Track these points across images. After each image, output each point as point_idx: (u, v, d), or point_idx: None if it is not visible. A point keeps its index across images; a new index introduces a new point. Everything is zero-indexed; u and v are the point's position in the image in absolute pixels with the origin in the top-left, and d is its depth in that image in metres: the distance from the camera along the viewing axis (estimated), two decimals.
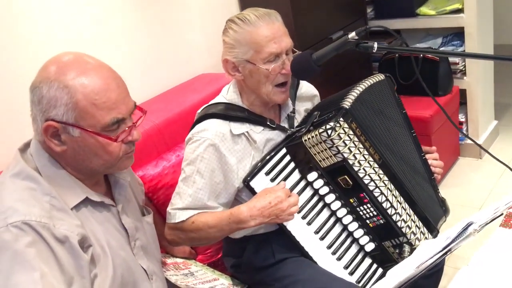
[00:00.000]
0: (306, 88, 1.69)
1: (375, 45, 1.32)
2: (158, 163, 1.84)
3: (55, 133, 1.08)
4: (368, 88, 1.52)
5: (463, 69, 2.91)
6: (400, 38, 1.39)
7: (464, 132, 3.02)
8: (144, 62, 2.18)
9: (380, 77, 1.58)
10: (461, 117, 2.99)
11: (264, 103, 1.51)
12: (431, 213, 1.53)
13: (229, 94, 1.54)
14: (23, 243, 0.98)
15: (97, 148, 1.11)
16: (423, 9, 2.92)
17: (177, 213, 1.44)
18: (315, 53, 1.39)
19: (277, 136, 1.52)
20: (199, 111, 1.56)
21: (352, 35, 1.34)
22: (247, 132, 1.48)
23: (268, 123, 1.50)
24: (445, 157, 2.90)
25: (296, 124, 1.57)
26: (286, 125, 1.55)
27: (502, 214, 1.17)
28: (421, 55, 2.80)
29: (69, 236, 1.04)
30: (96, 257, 1.11)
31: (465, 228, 0.95)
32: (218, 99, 1.56)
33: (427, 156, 1.62)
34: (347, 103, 1.44)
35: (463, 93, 2.94)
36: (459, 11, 2.80)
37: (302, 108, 1.64)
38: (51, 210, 1.05)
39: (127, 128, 1.14)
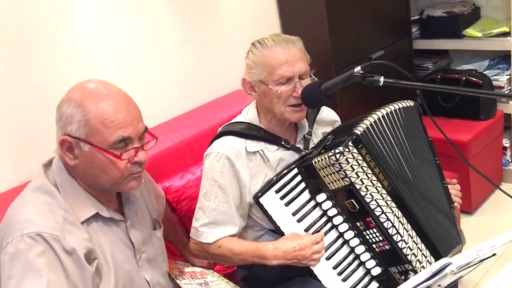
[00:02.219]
0: (327, 113, 1.73)
1: (381, 79, 1.35)
2: (184, 175, 1.94)
3: (70, 148, 1.20)
4: (389, 114, 1.54)
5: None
6: (411, 77, 1.40)
7: (508, 158, 2.92)
8: (183, 77, 2.30)
9: (407, 103, 1.59)
10: (505, 142, 2.90)
11: (280, 123, 1.57)
12: (441, 243, 1.51)
13: (248, 114, 1.62)
14: (34, 253, 1.09)
15: (104, 164, 1.20)
16: (470, 31, 2.86)
17: (204, 232, 1.53)
18: (323, 84, 1.44)
19: (291, 156, 1.58)
20: (220, 128, 1.64)
21: (357, 69, 1.39)
22: (261, 150, 1.55)
23: (282, 143, 1.56)
24: (485, 183, 2.81)
25: (311, 146, 1.62)
26: (301, 146, 1.60)
27: (494, 254, 1.16)
28: (464, 78, 2.75)
29: (76, 248, 1.14)
30: (101, 268, 1.20)
31: (443, 268, 0.97)
32: (238, 118, 1.64)
33: (450, 187, 1.61)
34: (360, 128, 1.47)
35: (507, 117, 2.84)
36: (506, 34, 2.72)
37: (320, 132, 1.68)
38: (63, 224, 1.16)
39: (133, 148, 1.21)
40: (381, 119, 1.52)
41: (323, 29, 2.49)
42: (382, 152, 1.49)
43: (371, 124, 1.49)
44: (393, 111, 1.55)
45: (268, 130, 1.57)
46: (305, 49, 1.54)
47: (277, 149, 1.56)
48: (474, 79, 2.73)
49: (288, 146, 1.57)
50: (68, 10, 1.89)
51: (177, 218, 1.90)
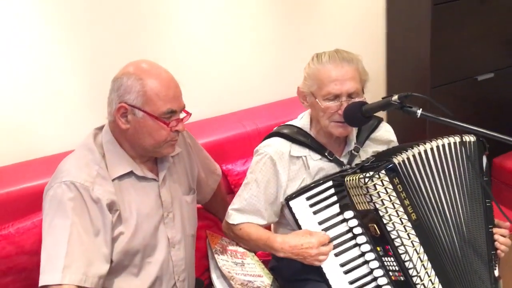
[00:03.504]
0: (383, 132, 1.75)
1: (419, 111, 1.35)
2: (247, 162, 2.09)
3: (124, 114, 1.42)
4: (439, 146, 1.53)
5: None
6: (451, 114, 1.36)
7: None
8: (272, 70, 2.43)
9: (467, 138, 1.56)
10: None
11: (327, 135, 1.63)
12: (464, 286, 1.48)
13: (302, 120, 1.71)
14: (67, 197, 1.35)
15: (153, 129, 1.41)
16: None
17: (232, 214, 1.68)
18: (365, 106, 1.47)
19: (332, 168, 1.64)
20: (275, 128, 1.75)
21: (395, 98, 1.39)
22: (304, 156, 1.63)
23: (326, 154, 1.63)
24: None
25: (358, 162, 1.65)
26: (345, 161, 1.65)
27: None
28: None
29: (101, 198, 1.38)
30: (123, 219, 1.44)
31: None
32: (293, 121, 1.73)
33: (495, 230, 1.56)
34: (399, 157, 1.48)
35: None
36: None
37: (371, 149, 1.71)
38: (96, 177, 1.40)
39: (175, 120, 1.45)
40: (429, 151, 1.52)
41: (425, 45, 2.42)
42: (418, 185, 1.49)
43: (414, 155, 1.50)
44: (445, 145, 1.54)
45: (315, 139, 1.65)
46: (362, 69, 1.57)
47: (320, 158, 1.63)
48: None
49: (330, 158, 1.63)
50: (176, 4, 2.14)
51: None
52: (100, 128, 1.53)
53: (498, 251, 1.56)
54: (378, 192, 1.44)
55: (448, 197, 1.51)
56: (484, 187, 1.55)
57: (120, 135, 1.47)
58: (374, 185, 1.44)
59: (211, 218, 2.00)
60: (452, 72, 2.52)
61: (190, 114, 1.50)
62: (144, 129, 1.42)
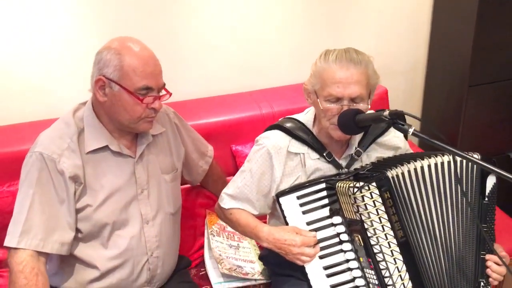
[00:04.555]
0: (391, 137, 1.66)
1: (410, 130, 1.27)
2: None
3: (102, 87, 1.45)
4: (438, 164, 1.46)
5: None
6: (444, 138, 1.26)
7: None
8: (298, 51, 2.36)
9: (472, 156, 1.46)
10: None
11: (328, 135, 1.57)
12: None
13: (307, 115, 1.65)
14: (35, 167, 1.43)
15: (128, 104, 1.44)
16: None
17: (225, 198, 1.68)
18: (359, 115, 1.40)
19: (329, 170, 1.59)
20: (280, 119, 1.71)
21: (385, 113, 1.31)
22: (303, 154, 1.59)
23: (324, 154, 1.58)
24: None
25: (358, 166, 1.59)
26: (344, 163, 1.59)
27: None
28: None
29: (65, 171, 1.44)
30: (91, 192, 1.49)
31: None
32: (297, 116, 1.68)
33: (489, 257, 1.49)
34: (394, 171, 1.42)
35: None
36: None
37: (375, 154, 1.64)
38: (65, 150, 1.45)
39: (152, 97, 1.46)
40: (426, 168, 1.45)
41: (467, 44, 2.26)
42: (410, 202, 1.43)
43: (409, 171, 1.43)
44: (445, 162, 1.46)
45: (317, 137, 1.60)
46: (372, 72, 1.48)
47: (318, 158, 1.59)
48: None
49: (329, 159, 1.58)
50: None
51: None
52: (84, 103, 1.57)
53: (490, 279, 1.49)
54: (365, 204, 1.39)
55: (440, 218, 1.44)
56: (485, 208, 1.47)
57: (99, 108, 1.51)
58: (362, 196, 1.38)
59: (211, 197, 2.01)
60: (493, 72, 2.35)
61: (171, 94, 1.51)
62: (120, 103, 1.44)
